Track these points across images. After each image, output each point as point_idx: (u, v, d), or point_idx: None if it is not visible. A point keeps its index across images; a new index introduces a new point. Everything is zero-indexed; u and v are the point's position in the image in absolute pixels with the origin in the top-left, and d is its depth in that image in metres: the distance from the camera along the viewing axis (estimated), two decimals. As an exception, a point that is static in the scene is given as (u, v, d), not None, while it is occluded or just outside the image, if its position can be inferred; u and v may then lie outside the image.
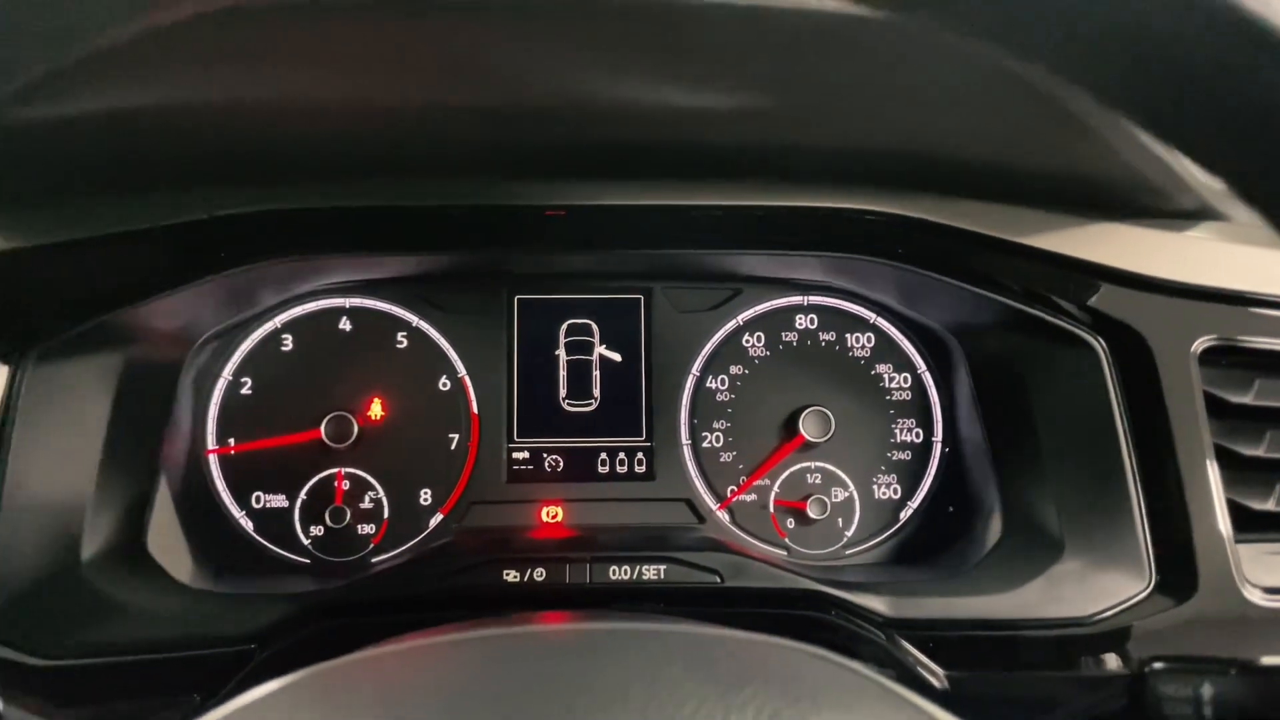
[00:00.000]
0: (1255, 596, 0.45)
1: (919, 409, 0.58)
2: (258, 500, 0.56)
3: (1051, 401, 0.52)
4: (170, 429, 0.53)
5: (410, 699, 0.26)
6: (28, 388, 0.46)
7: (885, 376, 0.58)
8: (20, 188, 0.42)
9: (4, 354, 0.45)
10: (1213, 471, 0.47)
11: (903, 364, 0.58)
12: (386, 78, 0.42)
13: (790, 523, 0.57)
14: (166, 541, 0.52)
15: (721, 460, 0.57)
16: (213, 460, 0.55)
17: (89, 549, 0.48)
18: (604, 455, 0.57)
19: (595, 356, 0.58)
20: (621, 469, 0.57)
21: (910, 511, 0.57)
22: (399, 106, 0.46)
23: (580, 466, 0.57)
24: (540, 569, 0.50)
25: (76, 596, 0.46)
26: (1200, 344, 0.48)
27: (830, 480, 0.57)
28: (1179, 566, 0.47)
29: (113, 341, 0.49)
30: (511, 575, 0.50)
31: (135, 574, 0.49)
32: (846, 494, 0.57)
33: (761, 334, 0.58)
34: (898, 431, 0.58)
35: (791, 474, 0.57)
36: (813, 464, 0.57)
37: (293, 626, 0.46)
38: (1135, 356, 0.49)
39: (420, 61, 0.40)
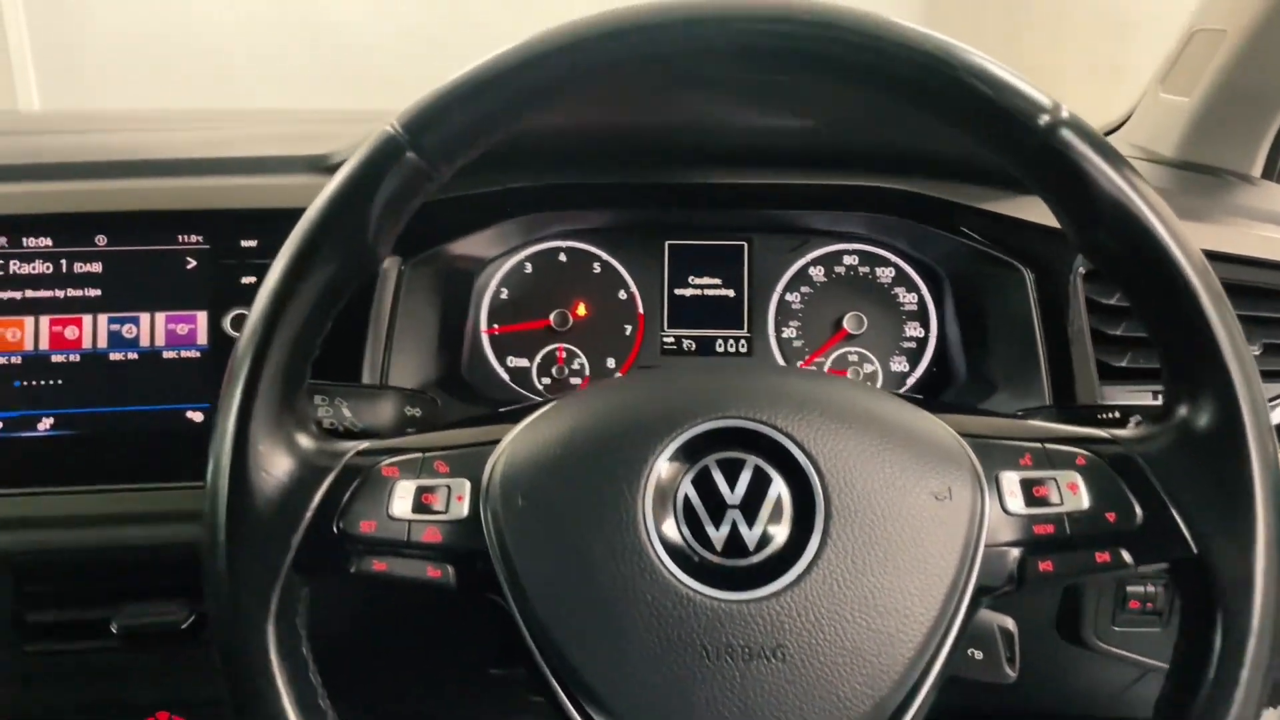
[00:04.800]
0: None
1: (920, 315, 0.90)
2: (510, 361, 0.91)
3: (998, 306, 0.83)
4: (466, 318, 0.89)
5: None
6: (405, 283, 0.83)
7: (900, 294, 0.90)
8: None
9: (401, 259, 0.82)
10: (1088, 343, 0.79)
11: (911, 286, 0.90)
12: (623, 113, 0.77)
13: (837, 385, 0.90)
14: (467, 377, 0.88)
15: (794, 345, 0.90)
16: (484, 337, 0.91)
17: (434, 375, 0.84)
18: (719, 341, 0.91)
19: (717, 280, 0.92)
20: (731, 349, 0.91)
21: (914, 379, 0.90)
22: (615, 127, 0.82)
23: (705, 346, 0.91)
24: None
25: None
26: (1083, 269, 0.80)
27: (863, 359, 0.90)
28: (1065, 398, 0.79)
29: (441, 261, 0.86)
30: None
31: (453, 392, 0.85)
32: (873, 368, 0.90)
33: (821, 267, 0.91)
34: (907, 329, 0.90)
35: (839, 355, 0.90)
36: (852, 348, 0.90)
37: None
38: (1045, 277, 0.81)
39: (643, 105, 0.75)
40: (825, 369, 0.90)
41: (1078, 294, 0.79)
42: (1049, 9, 2.87)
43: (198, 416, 0.78)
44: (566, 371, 0.90)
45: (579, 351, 0.90)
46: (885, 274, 0.91)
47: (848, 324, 0.89)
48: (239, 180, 0.80)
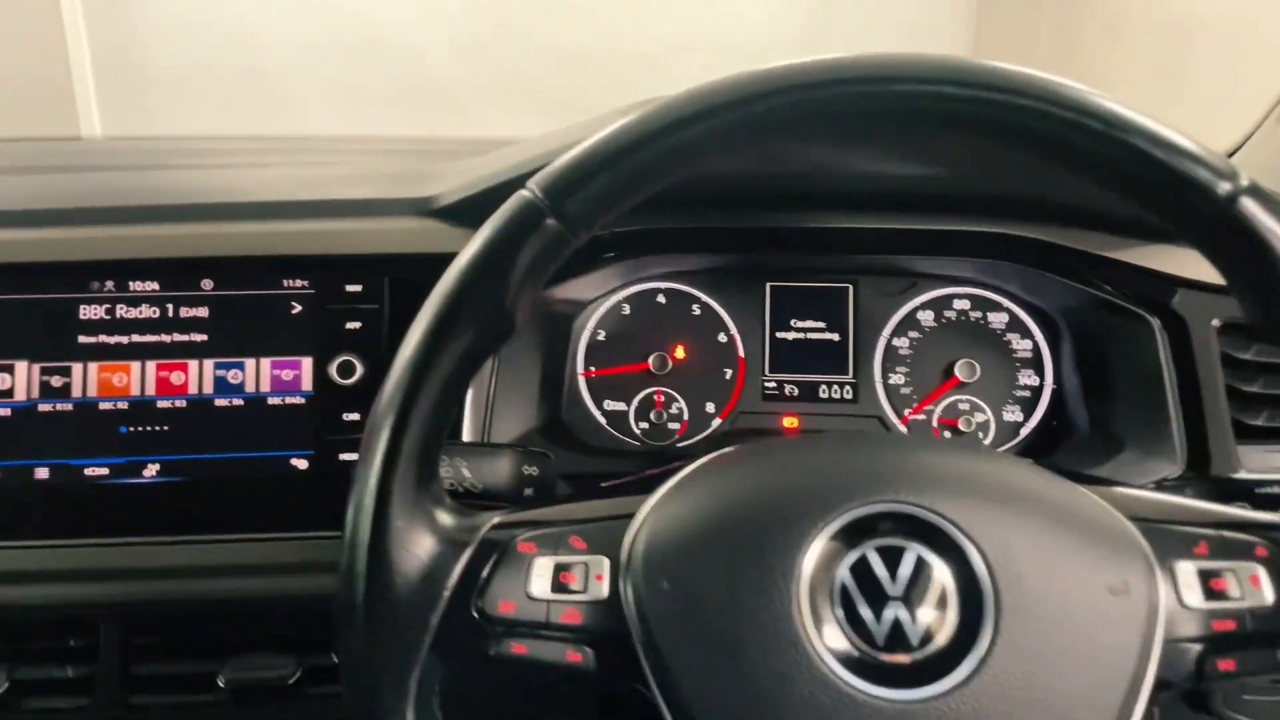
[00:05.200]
0: (1243, 475, 0.73)
1: (1035, 362, 0.87)
2: (607, 404, 0.89)
3: (1124, 358, 0.80)
4: (566, 362, 0.87)
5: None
6: (508, 328, 0.81)
7: (1013, 341, 0.87)
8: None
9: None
10: (1222, 399, 0.75)
11: (1025, 333, 0.87)
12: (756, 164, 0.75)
13: (946, 434, 0.87)
14: (566, 421, 0.86)
15: (902, 392, 0.87)
16: (581, 380, 0.89)
17: (535, 422, 0.83)
18: (823, 386, 0.88)
19: (821, 323, 0.89)
20: (835, 395, 0.88)
21: (1029, 429, 0.86)
22: (721, 172, 0.79)
23: (809, 392, 0.88)
24: None
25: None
26: (1217, 321, 0.76)
27: (975, 407, 0.87)
28: (1199, 459, 0.75)
29: (542, 305, 0.84)
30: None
31: (554, 438, 0.83)
32: (985, 417, 0.87)
33: (931, 311, 0.88)
34: (1021, 377, 0.87)
35: (949, 403, 0.87)
36: (963, 396, 0.87)
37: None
38: (1177, 329, 0.77)
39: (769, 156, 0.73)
40: (935, 417, 0.87)
41: (1212, 348, 0.75)
42: (1104, 9, 2.80)
43: (302, 464, 0.77)
44: (665, 416, 0.87)
45: (678, 395, 0.88)
46: (998, 319, 0.87)
47: (959, 371, 0.85)
48: (343, 224, 0.79)
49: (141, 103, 2.74)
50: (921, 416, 0.87)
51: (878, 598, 0.47)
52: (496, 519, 0.53)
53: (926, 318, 0.88)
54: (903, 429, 0.86)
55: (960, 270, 0.87)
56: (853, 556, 0.48)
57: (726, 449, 0.57)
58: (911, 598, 0.47)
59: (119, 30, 2.70)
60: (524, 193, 0.51)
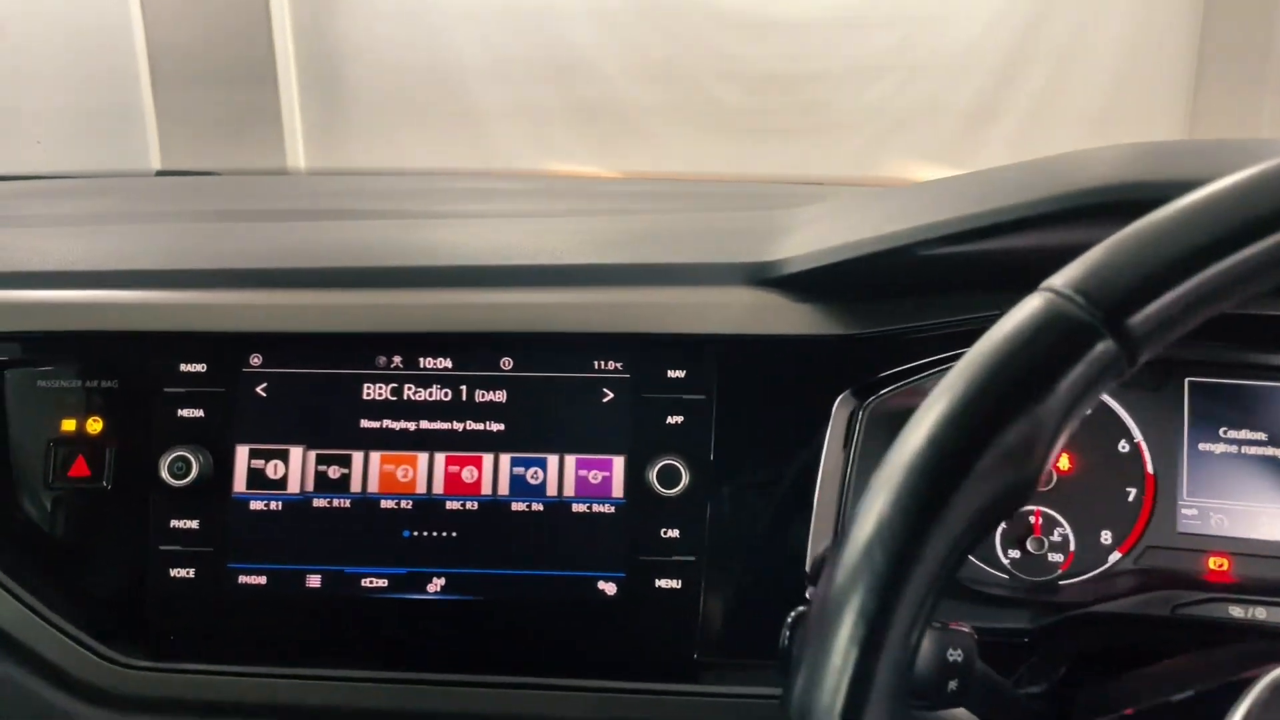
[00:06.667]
0: None
1: None
2: (966, 525, 0.71)
3: None
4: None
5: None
6: (861, 432, 0.64)
7: None
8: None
9: (855, 400, 0.64)
10: None
11: None
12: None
13: None
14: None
15: (1385, 534, 0.65)
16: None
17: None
18: (1265, 520, 0.67)
19: (1261, 434, 0.68)
20: (1286, 533, 0.67)
21: None
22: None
23: (1244, 525, 0.67)
24: (1235, 608, 0.62)
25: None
26: None
27: None
28: None
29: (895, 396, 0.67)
30: (1204, 610, 0.62)
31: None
32: None
33: None
34: None
35: None
36: None
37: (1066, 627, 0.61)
38: None
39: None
40: None
41: None
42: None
43: (610, 588, 0.62)
44: (1045, 545, 0.68)
45: (1061, 519, 0.69)
46: None
47: None
48: (664, 294, 0.65)
49: (343, 130, 2.80)
50: None
51: None
52: None
53: None
54: (1385, 584, 0.64)
55: None
56: None
57: None
58: None
59: (324, 58, 2.76)
60: (1057, 299, 0.35)
